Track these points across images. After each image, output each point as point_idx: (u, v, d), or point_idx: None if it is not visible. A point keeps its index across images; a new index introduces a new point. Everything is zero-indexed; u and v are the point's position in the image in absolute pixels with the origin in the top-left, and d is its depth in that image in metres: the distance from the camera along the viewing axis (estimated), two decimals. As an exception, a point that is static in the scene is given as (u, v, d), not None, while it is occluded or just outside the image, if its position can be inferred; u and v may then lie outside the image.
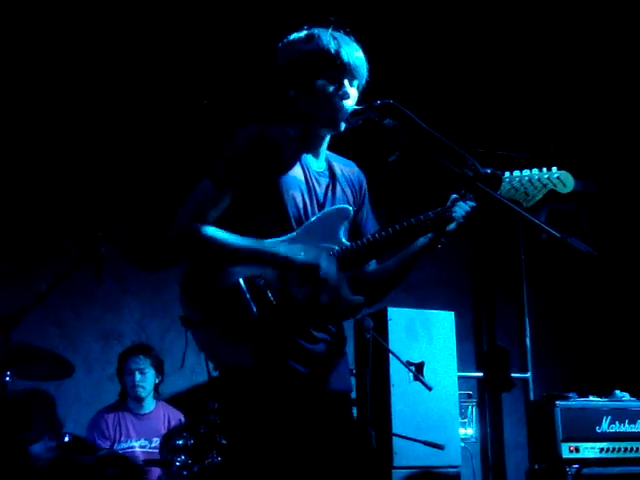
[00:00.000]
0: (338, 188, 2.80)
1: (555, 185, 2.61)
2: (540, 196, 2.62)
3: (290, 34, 2.79)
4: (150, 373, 5.26)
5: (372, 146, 2.72)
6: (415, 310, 5.41)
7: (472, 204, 2.63)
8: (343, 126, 2.71)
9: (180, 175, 5.79)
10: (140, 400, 5.22)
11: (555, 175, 2.61)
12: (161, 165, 5.91)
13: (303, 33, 2.75)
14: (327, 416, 2.64)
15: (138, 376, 5.20)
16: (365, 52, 2.75)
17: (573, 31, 5.65)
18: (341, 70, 2.67)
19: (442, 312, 5.51)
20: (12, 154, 5.65)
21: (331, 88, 2.68)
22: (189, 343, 2.60)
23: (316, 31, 2.73)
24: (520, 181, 2.60)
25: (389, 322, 5.23)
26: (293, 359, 2.58)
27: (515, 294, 6.79)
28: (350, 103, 2.68)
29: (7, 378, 4.27)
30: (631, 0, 5.36)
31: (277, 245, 2.60)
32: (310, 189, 2.73)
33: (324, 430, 2.62)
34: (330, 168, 2.84)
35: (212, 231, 2.60)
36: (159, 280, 5.86)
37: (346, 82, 2.69)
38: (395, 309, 5.27)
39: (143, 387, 5.21)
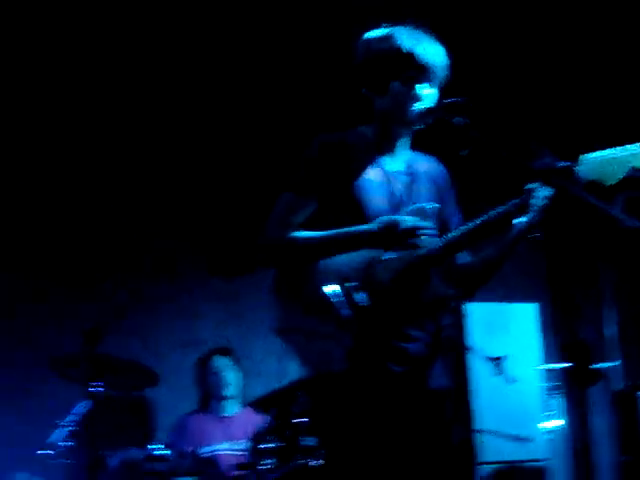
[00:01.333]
0: (420, 186, 2.77)
1: (632, 161, 2.49)
2: (621, 175, 2.50)
3: (366, 32, 2.77)
4: (236, 373, 5.26)
5: (444, 144, 2.69)
6: (496, 304, 5.35)
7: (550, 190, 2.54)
8: (415, 126, 2.70)
9: (257, 185, 5.84)
10: (225, 399, 5.20)
11: (637, 150, 2.52)
12: (239, 175, 5.98)
13: (380, 31, 2.73)
14: (425, 414, 2.62)
15: (226, 373, 5.21)
16: (446, 51, 2.70)
17: (590, 38, 5.46)
18: (415, 70, 2.64)
19: (524, 304, 5.46)
20: (74, 162, 5.77)
21: (404, 89, 2.65)
22: (270, 349, 2.64)
23: (392, 30, 2.70)
24: (596, 161, 2.53)
25: (469, 317, 5.20)
26: (388, 359, 2.56)
27: (596, 283, 6.65)
28: (425, 103, 2.65)
29: (99, 388, 4.34)
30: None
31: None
32: (389, 190, 2.71)
33: (420, 429, 2.60)
34: (411, 166, 2.81)
35: (297, 234, 2.66)
36: (236, 287, 5.92)
37: (421, 82, 2.65)
38: (475, 304, 5.23)
39: (230, 384, 5.21)
